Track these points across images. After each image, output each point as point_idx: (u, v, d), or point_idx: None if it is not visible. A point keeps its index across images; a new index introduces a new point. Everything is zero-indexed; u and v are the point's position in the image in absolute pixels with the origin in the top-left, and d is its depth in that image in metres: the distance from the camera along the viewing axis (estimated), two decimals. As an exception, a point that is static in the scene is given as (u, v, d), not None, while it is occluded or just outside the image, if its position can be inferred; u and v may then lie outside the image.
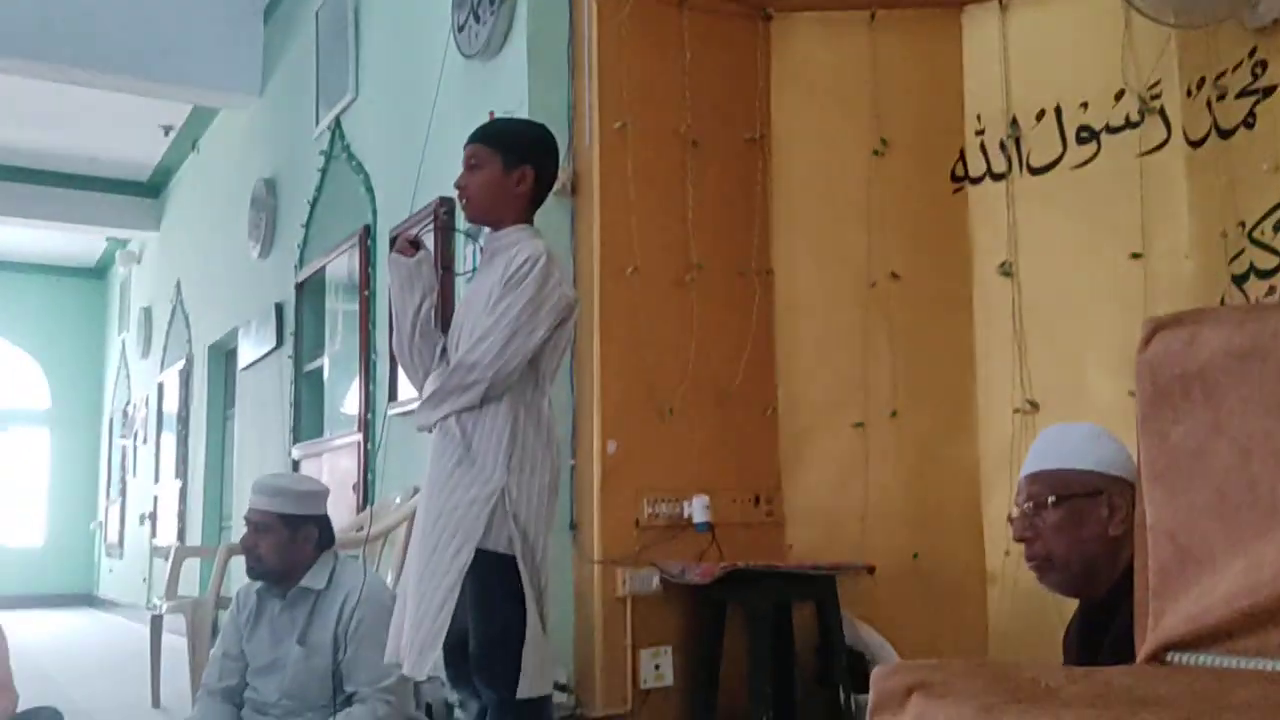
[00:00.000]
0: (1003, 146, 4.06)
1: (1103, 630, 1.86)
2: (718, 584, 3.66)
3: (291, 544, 3.21)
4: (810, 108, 4.25)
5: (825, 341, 4.15)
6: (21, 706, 3.90)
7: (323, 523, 3.31)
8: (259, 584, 3.36)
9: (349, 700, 3.16)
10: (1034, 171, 4.00)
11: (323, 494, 3.40)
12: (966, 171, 4.17)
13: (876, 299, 4.09)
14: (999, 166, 4.09)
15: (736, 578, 3.61)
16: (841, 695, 3.63)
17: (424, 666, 2.26)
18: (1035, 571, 1.93)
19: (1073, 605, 2.11)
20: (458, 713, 4.29)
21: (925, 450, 4.03)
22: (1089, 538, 1.87)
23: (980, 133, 4.13)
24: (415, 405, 4.91)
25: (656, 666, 3.74)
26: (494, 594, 2.29)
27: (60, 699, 4.13)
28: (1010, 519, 2.08)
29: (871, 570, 3.76)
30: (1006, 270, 3.96)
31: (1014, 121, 4.03)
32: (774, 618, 3.70)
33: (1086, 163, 3.89)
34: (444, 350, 2.54)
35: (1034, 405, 3.83)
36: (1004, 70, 4.04)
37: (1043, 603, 3.54)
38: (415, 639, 2.25)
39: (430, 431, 2.45)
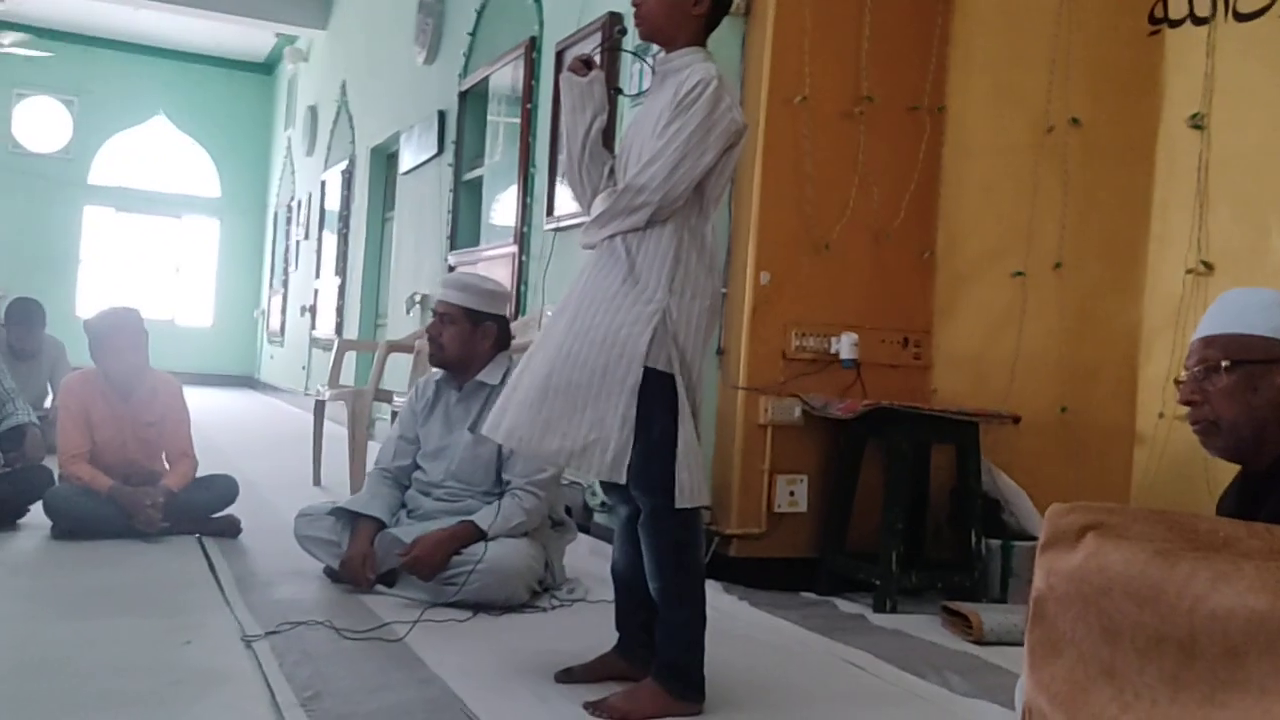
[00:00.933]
0: (1210, -12, 3.78)
1: (1261, 500, 1.84)
2: (859, 420, 3.71)
3: (472, 337, 3.45)
4: (1003, -64, 4.01)
5: (993, 186, 4.03)
6: (199, 473, 4.28)
7: (502, 323, 3.52)
8: (438, 375, 3.61)
9: (505, 489, 3.39)
10: (1240, 18, 3.72)
11: (505, 295, 3.62)
12: (1166, 13, 3.90)
13: (1053, 145, 3.94)
14: (1203, 9, 3.81)
15: (879, 415, 3.65)
16: (973, 538, 3.68)
17: (621, 473, 2.35)
18: (1199, 435, 1.90)
19: (1225, 475, 2.08)
20: (598, 516, 4.52)
21: (1086, 305, 3.94)
22: (1260, 405, 1.83)
23: (1187, -28, 3.84)
24: (575, 222, 4.99)
25: (791, 493, 3.85)
26: (653, 408, 2.36)
27: (230, 470, 4.50)
28: (1177, 382, 2.04)
29: (1017, 420, 3.74)
30: (1197, 122, 3.74)
31: (1226, -39, 3.74)
32: (913, 457, 3.74)
33: (1302, 10, 3.60)
34: (612, 170, 2.56)
35: (1208, 267, 3.68)
36: (1221, -97, 3.73)
37: (1192, 470, 3.50)
38: (609, 450, 2.33)
39: (592, 249, 2.49)
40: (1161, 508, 3.37)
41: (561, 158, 2.60)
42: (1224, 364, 1.87)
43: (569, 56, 2.74)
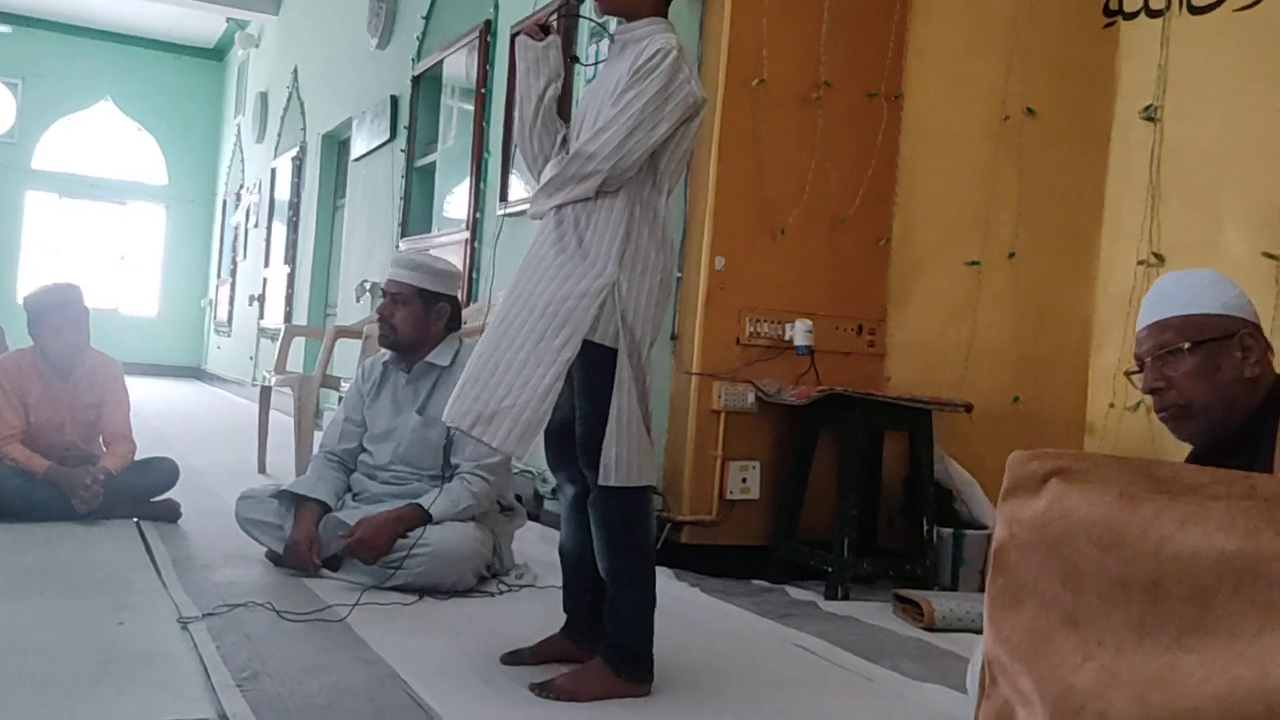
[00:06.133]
0: (1165, -19, 3.80)
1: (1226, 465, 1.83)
2: (813, 406, 3.69)
3: (424, 318, 3.38)
4: (961, -76, 4.01)
5: (949, 174, 4.03)
6: (138, 457, 4.17)
7: (454, 304, 3.46)
8: (386, 357, 3.54)
9: (453, 472, 3.33)
10: (1194, 10, 3.74)
11: (457, 276, 3.55)
12: (1121, 6, 3.92)
13: (1008, 134, 3.94)
14: (1157, 3, 3.83)
15: (833, 402, 3.63)
16: (925, 526, 3.67)
17: (525, 447, 2.28)
18: (1169, 422, 1.88)
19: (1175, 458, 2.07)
20: (548, 504, 4.46)
21: (1039, 295, 3.94)
22: (1226, 382, 1.82)
23: (1142, -36, 3.86)
24: (527, 203, 4.92)
25: (744, 480, 3.82)
26: (600, 385, 2.32)
27: (173, 457, 4.37)
28: (1128, 374, 2.02)
29: (969, 409, 3.74)
30: (1150, 114, 3.76)
31: (1180, -46, 3.76)
32: (866, 445, 3.72)
33: (1252, 5, 3.62)
34: (565, 140, 2.50)
35: (1160, 258, 3.70)
36: (1176, -103, 3.75)
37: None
38: (519, 421, 2.27)
39: (539, 219, 2.44)
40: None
41: (515, 125, 2.53)
42: (1185, 346, 1.86)
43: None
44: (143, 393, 4.77)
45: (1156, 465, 0.88)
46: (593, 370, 2.31)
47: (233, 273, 12.13)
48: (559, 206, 2.35)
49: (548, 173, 2.41)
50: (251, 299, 10.79)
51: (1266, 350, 1.87)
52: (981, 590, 3.75)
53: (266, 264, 10.38)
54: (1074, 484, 0.84)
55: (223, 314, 12.47)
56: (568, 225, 2.34)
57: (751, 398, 3.81)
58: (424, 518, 3.21)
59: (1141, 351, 1.93)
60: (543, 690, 2.33)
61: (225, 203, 13.00)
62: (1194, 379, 1.85)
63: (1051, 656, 0.82)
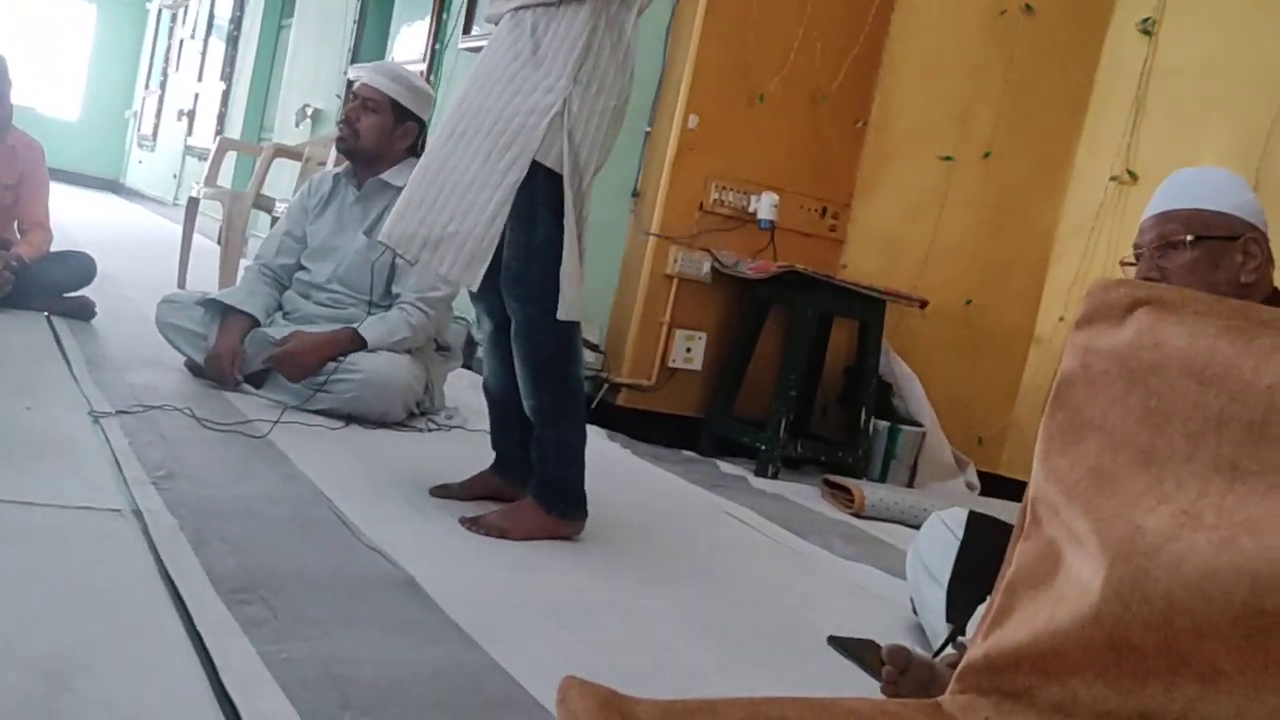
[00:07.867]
0: (1181, -110, 3.67)
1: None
2: (768, 283, 3.60)
3: (390, 132, 3.22)
4: None
5: (936, 63, 3.89)
6: (55, 250, 3.93)
7: (422, 128, 3.29)
8: (337, 171, 3.35)
9: (393, 302, 3.18)
10: (1208, -74, 3.63)
11: (432, 100, 3.38)
12: (1135, -90, 3.79)
13: (1001, 29, 3.81)
14: (1172, -87, 3.71)
15: (790, 280, 3.54)
16: (863, 416, 3.63)
17: (474, 276, 2.14)
18: (1155, 315, 1.82)
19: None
20: (481, 352, 4.34)
21: (1007, 199, 3.87)
22: (1221, 282, 1.76)
23: None
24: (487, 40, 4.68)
25: (688, 349, 3.73)
26: (536, 208, 2.16)
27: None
28: (1124, 263, 1.96)
29: (924, 305, 3.68)
30: (1147, 28, 3.67)
31: None
32: (816, 327, 3.65)
33: (1267, -72, 3.52)
34: None
35: (1133, 176, 3.64)
36: None
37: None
38: (464, 249, 2.13)
39: (496, 24, 2.27)
40: (1038, 412, 3.35)
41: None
42: (1187, 239, 1.79)
43: None
44: (58, 200, 4.45)
45: (1251, 306, 0.80)
46: (533, 192, 2.16)
47: (162, 85, 11.56)
48: (518, 9, 2.19)
49: None
50: (181, 114, 10.30)
51: (1268, 261, 1.81)
52: (909, 485, 3.75)
53: (200, 79, 9.89)
54: (1168, 314, 0.76)
55: (148, 127, 11.90)
56: (524, 29, 2.17)
57: (707, 267, 3.71)
58: (358, 343, 3.08)
59: (1143, 241, 1.86)
60: (473, 525, 2.24)
61: (160, 10, 12.31)
62: (1189, 274, 1.78)
63: (1118, 496, 0.75)
